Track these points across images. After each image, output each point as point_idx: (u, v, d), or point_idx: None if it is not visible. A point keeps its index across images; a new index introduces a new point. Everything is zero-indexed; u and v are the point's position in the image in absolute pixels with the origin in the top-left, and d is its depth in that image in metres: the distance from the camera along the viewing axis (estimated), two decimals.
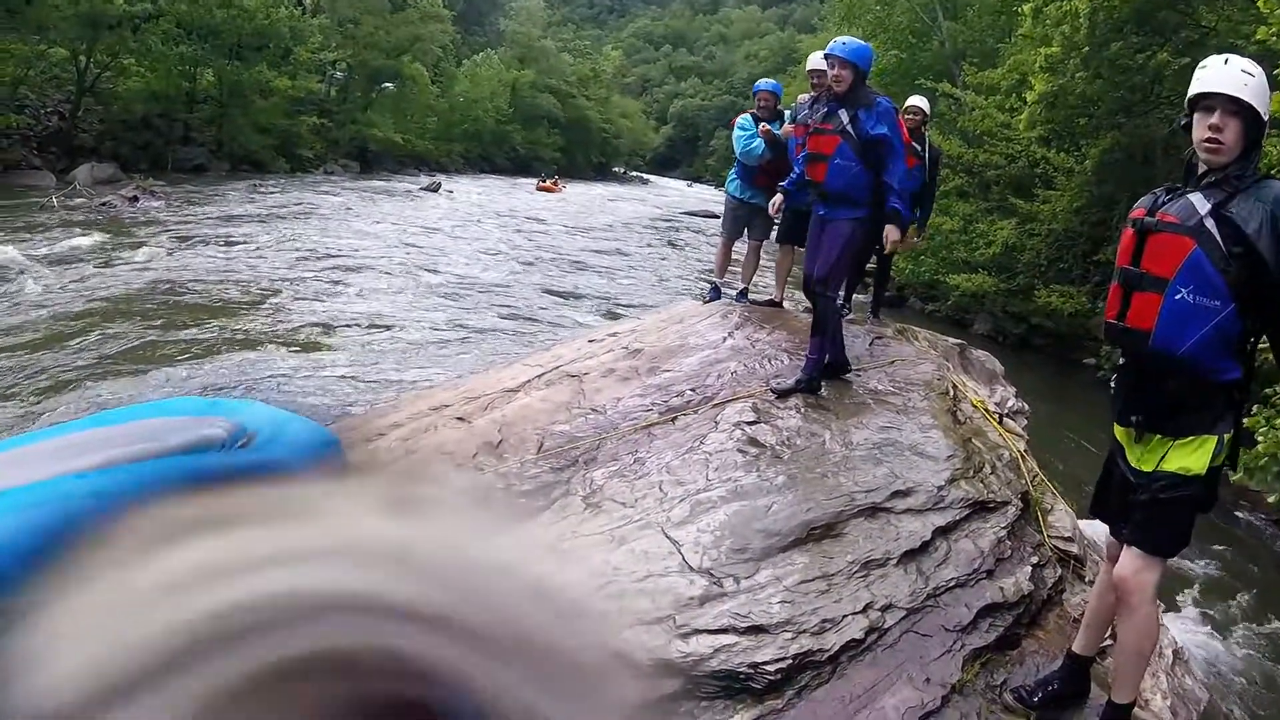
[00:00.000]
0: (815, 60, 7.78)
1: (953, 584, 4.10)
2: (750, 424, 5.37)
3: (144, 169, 30.36)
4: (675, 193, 74.03)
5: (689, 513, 4.41)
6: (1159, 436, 3.27)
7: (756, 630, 3.55)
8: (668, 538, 4.16)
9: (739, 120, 8.15)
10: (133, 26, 32.20)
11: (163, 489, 2.78)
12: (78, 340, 10.75)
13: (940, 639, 3.79)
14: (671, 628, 3.51)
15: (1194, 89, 3.17)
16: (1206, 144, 3.13)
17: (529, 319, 15.39)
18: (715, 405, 5.73)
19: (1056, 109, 17.62)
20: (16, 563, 2.24)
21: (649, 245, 29.78)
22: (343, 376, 10.55)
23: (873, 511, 4.48)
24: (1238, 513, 9.61)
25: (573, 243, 27.05)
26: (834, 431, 5.36)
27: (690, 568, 3.92)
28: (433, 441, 5.64)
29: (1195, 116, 3.18)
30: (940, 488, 4.73)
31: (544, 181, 52.75)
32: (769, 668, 3.40)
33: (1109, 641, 4.03)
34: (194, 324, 12.26)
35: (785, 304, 8.35)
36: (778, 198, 6.68)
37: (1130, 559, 3.27)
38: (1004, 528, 4.60)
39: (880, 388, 6.18)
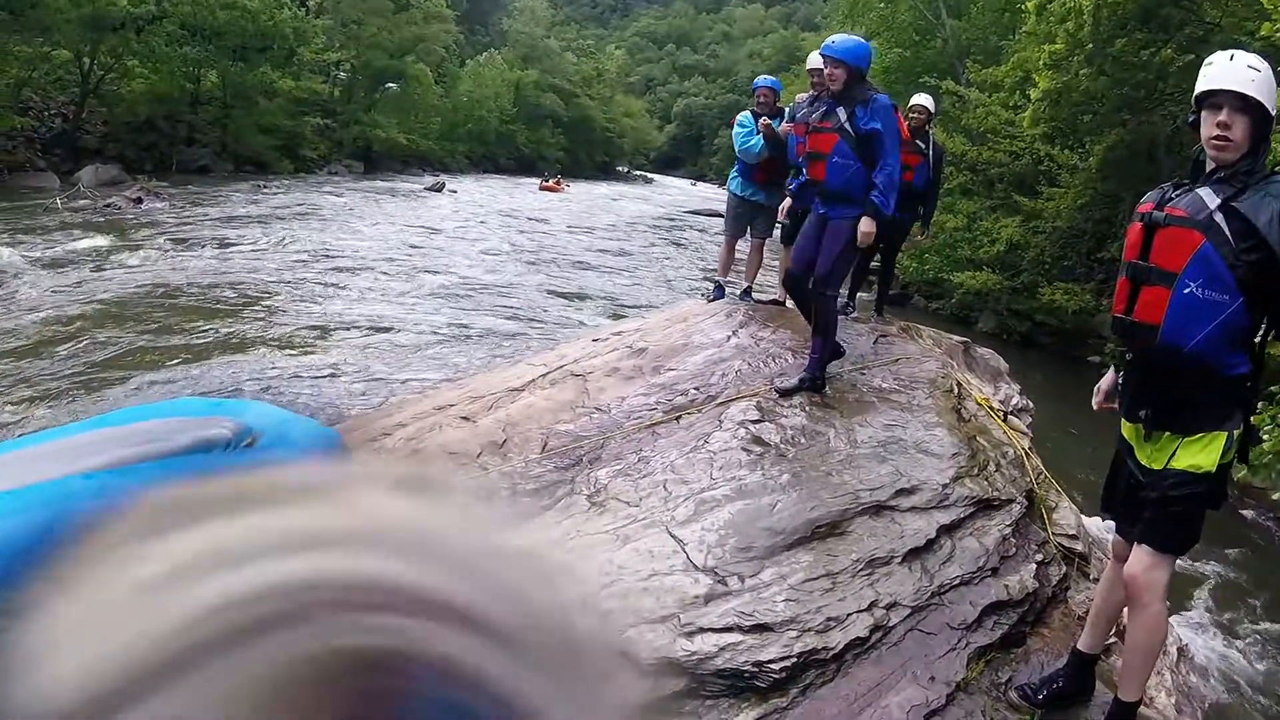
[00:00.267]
0: (815, 59, 7.80)
1: (957, 582, 4.10)
2: (754, 423, 5.37)
3: (148, 170, 30.47)
4: (679, 192, 74.02)
5: (693, 511, 4.41)
6: (1168, 434, 3.27)
7: (761, 629, 3.55)
8: (672, 536, 4.16)
9: (739, 117, 8.15)
10: (136, 28, 32.29)
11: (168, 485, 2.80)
12: (81, 342, 10.76)
13: (945, 637, 3.79)
14: (676, 626, 3.51)
15: (1201, 86, 3.16)
16: (1215, 141, 3.13)
17: (533, 319, 15.39)
18: (719, 404, 5.73)
19: (1060, 106, 17.58)
20: (21, 564, 2.25)
21: (652, 244, 29.77)
22: (347, 377, 10.56)
23: (877, 510, 4.47)
24: (1243, 510, 9.59)
25: (576, 242, 27.04)
26: (838, 430, 5.36)
27: (695, 566, 3.92)
28: (437, 441, 5.65)
29: (1203, 114, 3.17)
30: (945, 486, 4.72)
31: (546, 181, 52.74)
32: (774, 666, 3.40)
33: (1113, 639, 4.04)
34: (198, 325, 12.27)
35: (788, 303, 8.35)
36: (787, 201, 6.68)
37: (1140, 557, 3.27)
38: (1008, 525, 4.60)
39: (884, 386, 6.17)
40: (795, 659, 3.45)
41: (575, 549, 4.11)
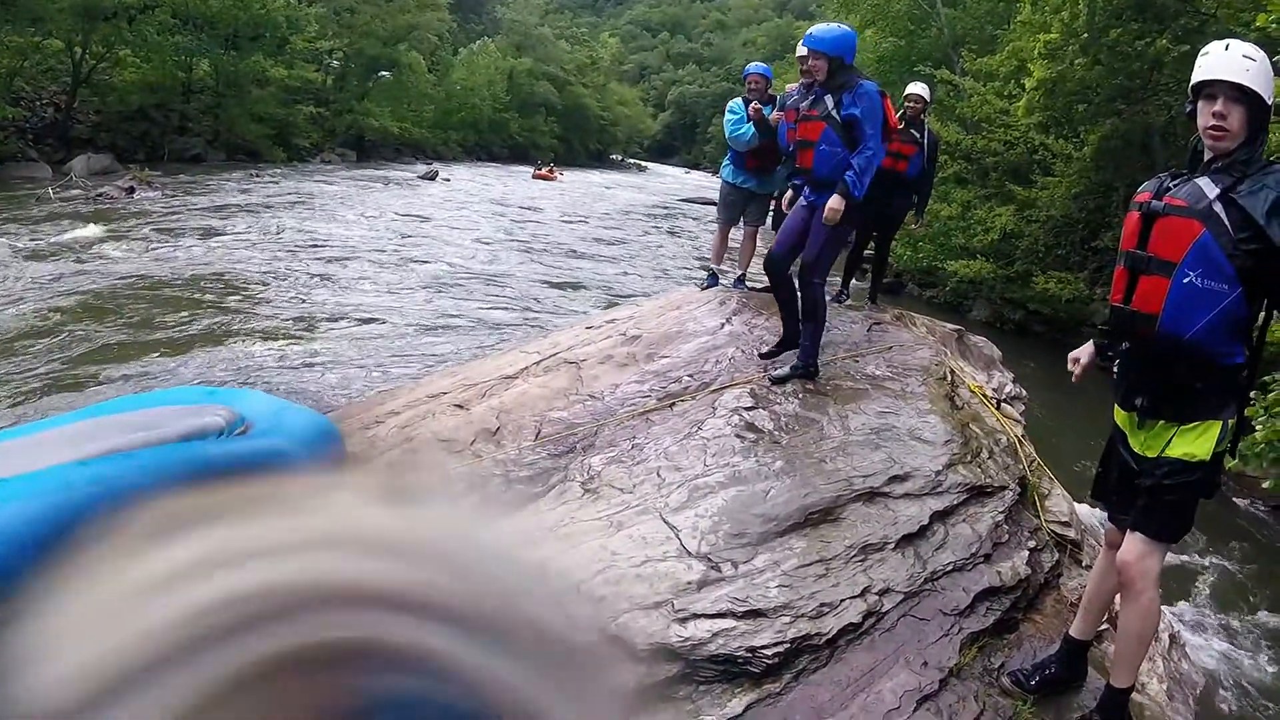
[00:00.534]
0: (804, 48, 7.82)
1: (950, 568, 4.11)
2: (748, 409, 5.37)
3: (140, 160, 30.38)
4: (673, 180, 73.83)
5: (687, 498, 4.42)
6: (1163, 422, 3.28)
7: (754, 614, 3.56)
8: (666, 523, 4.17)
9: (730, 104, 8.12)
10: (128, 17, 32.16)
11: (163, 476, 2.79)
12: (73, 331, 10.74)
13: (938, 623, 3.80)
14: (670, 612, 3.52)
15: (1196, 76, 3.16)
16: (1211, 131, 3.13)
17: (526, 307, 15.38)
18: (713, 391, 5.73)
19: (1055, 95, 17.57)
20: (19, 550, 2.25)
21: (646, 232, 29.75)
22: (340, 364, 10.55)
23: (870, 496, 4.48)
24: (1235, 498, 9.62)
25: (570, 230, 27.03)
26: (831, 417, 5.37)
27: (688, 553, 3.92)
28: (431, 429, 5.65)
29: (1199, 104, 3.17)
30: (938, 472, 4.73)
31: (540, 169, 52.66)
32: (767, 652, 3.41)
33: (1105, 626, 4.05)
34: (191, 314, 12.25)
35: None
36: (789, 193, 6.67)
37: (1133, 544, 3.28)
38: (1001, 512, 4.61)
39: (878, 373, 6.18)
40: (788, 644, 3.45)
41: (569, 536, 4.12)
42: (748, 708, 3.24)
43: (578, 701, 0.93)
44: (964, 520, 4.47)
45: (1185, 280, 3.09)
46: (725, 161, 8.39)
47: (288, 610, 0.77)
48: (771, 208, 8.50)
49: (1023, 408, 6.79)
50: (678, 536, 4.04)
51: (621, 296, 16.59)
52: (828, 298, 8.29)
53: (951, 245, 19.78)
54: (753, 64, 8.52)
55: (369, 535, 0.89)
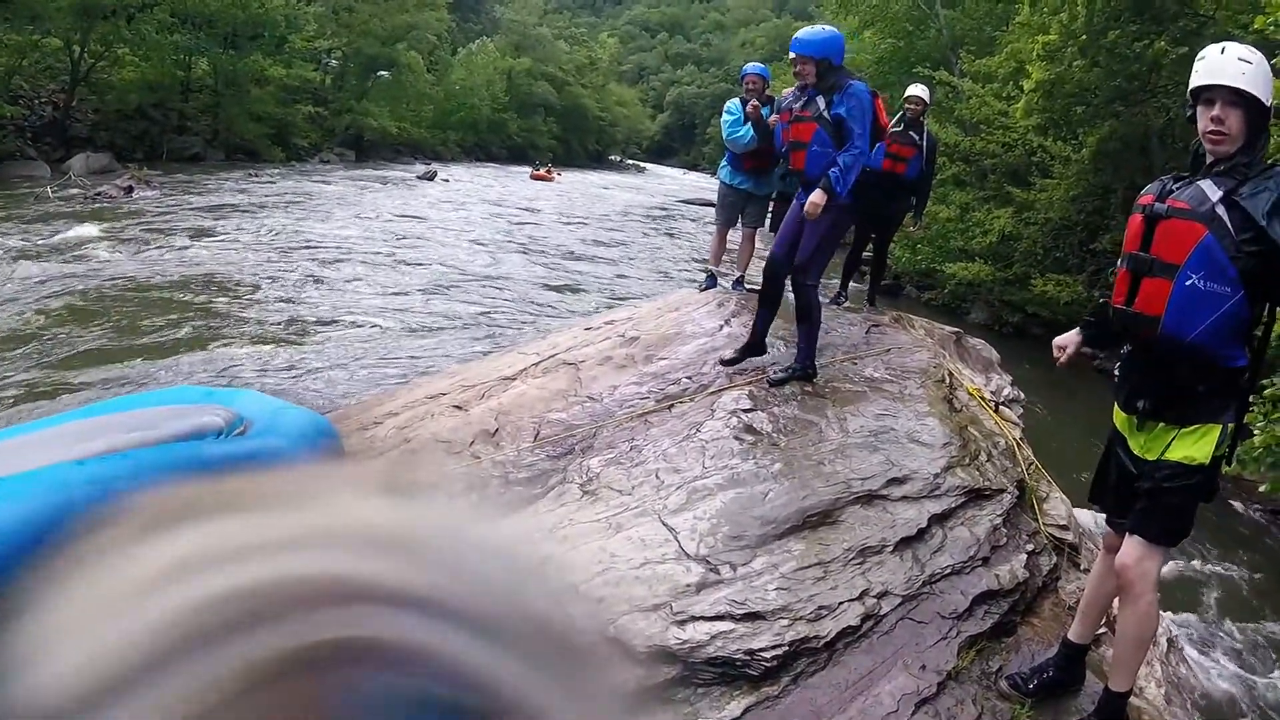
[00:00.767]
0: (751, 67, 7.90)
1: (949, 571, 4.11)
2: (746, 412, 5.37)
3: (139, 159, 30.35)
4: (671, 180, 73.76)
5: (685, 500, 4.42)
6: (1162, 424, 3.28)
7: (753, 617, 3.56)
8: (664, 525, 4.17)
9: (727, 105, 8.10)
10: (127, 16, 32.10)
11: (160, 476, 2.78)
12: (71, 331, 10.73)
13: (936, 626, 3.80)
14: (668, 614, 3.52)
15: (1194, 81, 3.16)
16: (1210, 135, 3.13)
17: (524, 308, 15.37)
18: (711, 393, 5.73)
19: (1054, 97, 17.55)
20: (14, 551, 2.23)
21: (645, 234, 29.71)
22: (338, 365, 10.54)
23: (869, 499, 4.49)
24: (1232, 501, 9.62)
25: (568, 231, 27.00)
26: (830, 419, 5.37)
27: (687, 555, 3.92)
28: (429, 430, 5.64)
29: (1198, 109, 3.17)
30: (936, 475, 4.73)
31: (538, 169, 52.58)
32: (765, 654, 3.41)
33: (1103, 630, 4.05)
34: (188, 315, 12.23)
35: None
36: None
37: (1132, 547, 3.28)
38: (1000, 515, 4.61)
39: (876, 375, 6.18)
40: (787, 647, 3.45)
41: (567, 537, 4.12)
42: (746, 710, 3.24)
43: (577, 701, 0.93)
44: (962, 523, 4.47)
45: (1188, 282, 3.10)
46: (723, 163, 8.37)
47: (286, 608, 0.77)
48: (770, 209, 8.48)
49: (1021, 410, 6.79)
50: (676, 538, 4.04)
51: (620, 298, 16.57)
52: (825, 299, 8.32)
53: (950, 247, 19.77)
54: (750, 64, 8.48)
55: (369, 530, 0.89)
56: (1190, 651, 5.91)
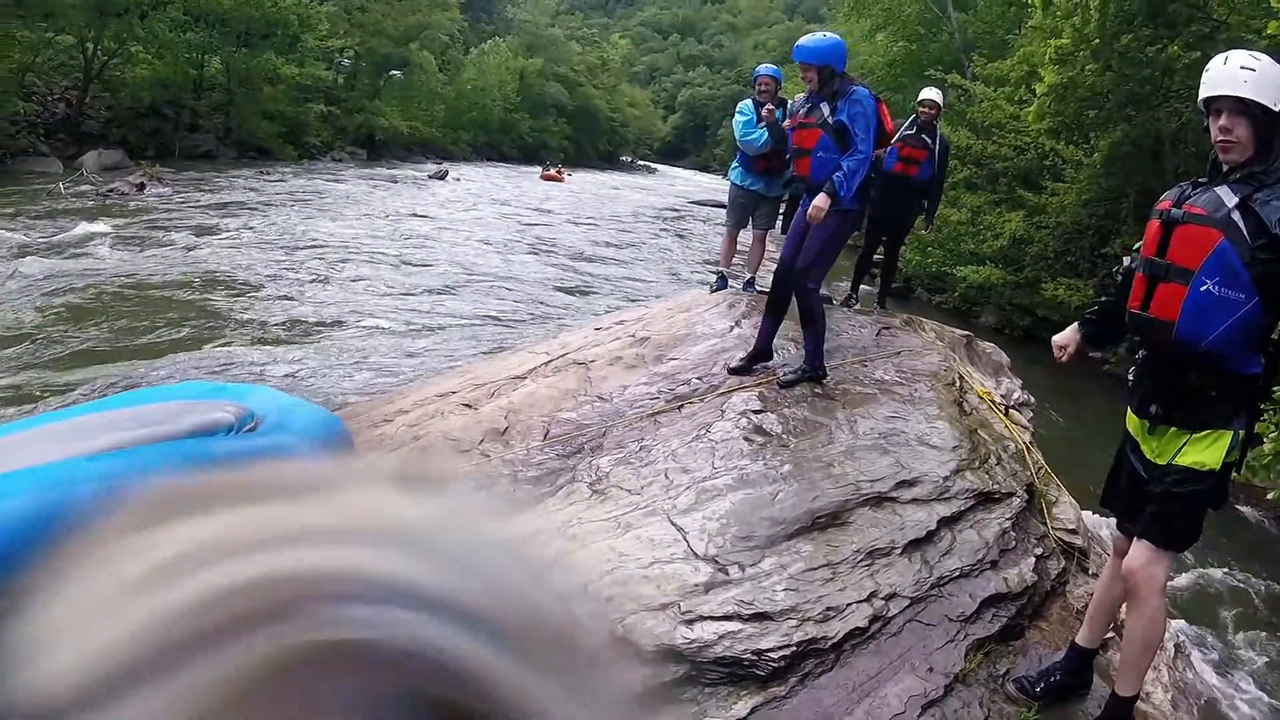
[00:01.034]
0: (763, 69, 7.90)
1: (957, 574, 4.11)
2: (756, 413, 5.38)
3: (151, 156, 30.42)
4: (683, 182, 73.65)
5: (695, 500, 4.43)
6: (1174, 429, 3.28)
7: (761, 617, 3.57)
8: (673, 525, 4.18)
9: (740, 106, 8.09)
10: (140, 13, 32.20)
11: (169, 472, 2.78)
12: (81, 326, 10.76)
13: (944, 628, 3.80)
14: (676, 614, 3.53)
15: (1201, 92, 3.19)
16: (1220, 143, 3.15)
17: (534, 307, 15.38)
18: (721, 394, 5.74)
19: (1066, 101, 17.50)
20: (21, 548, 2.24)
21: (655, 235, 29.68)
22: (349, 363, 10.56)
23: (878, 501, 4.49)
24: (1241, 508, 9.58)
25: (579, 232, 26.99)
26: (840, 421, 5.37)
27: (696, 555, 3.93)
28: (439, 428, 5.66)
29: (1209, 118, 3.18)
30: (945, 478, 4.74)
31: (548, 170, 52.50)
32: (773, 655, 3.42)
33: (1110, 634, 4.05)
34: (199, 311, 12.27)
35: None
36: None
37: (1140, 552, 3.28)
38: (1008, 519, 4.61)
39: (886, 378, 6.18)
40: (794, 648, 3.46)
41: (576, 536, 4.13)
42: (753, 711, 3.24)
43: (581, 701, 0.94)
44: (971, 526, 4.48)
45: (1203, 288, 3.10)
46: (734, 164, 8.36)
47: (281, 605, 0.77)
48: (781, 211, 8.47)
49: (1031, 415, 6.78)
50: (685, 538, 4.05)
51: (630, 298, 16.58)
52: (835, 301, 8.31)
53: (961, 251, 19.71)
54: (763, 66, 8.45)
55: (379, 525, 0.89)
56: (1197, 658, 5.89)
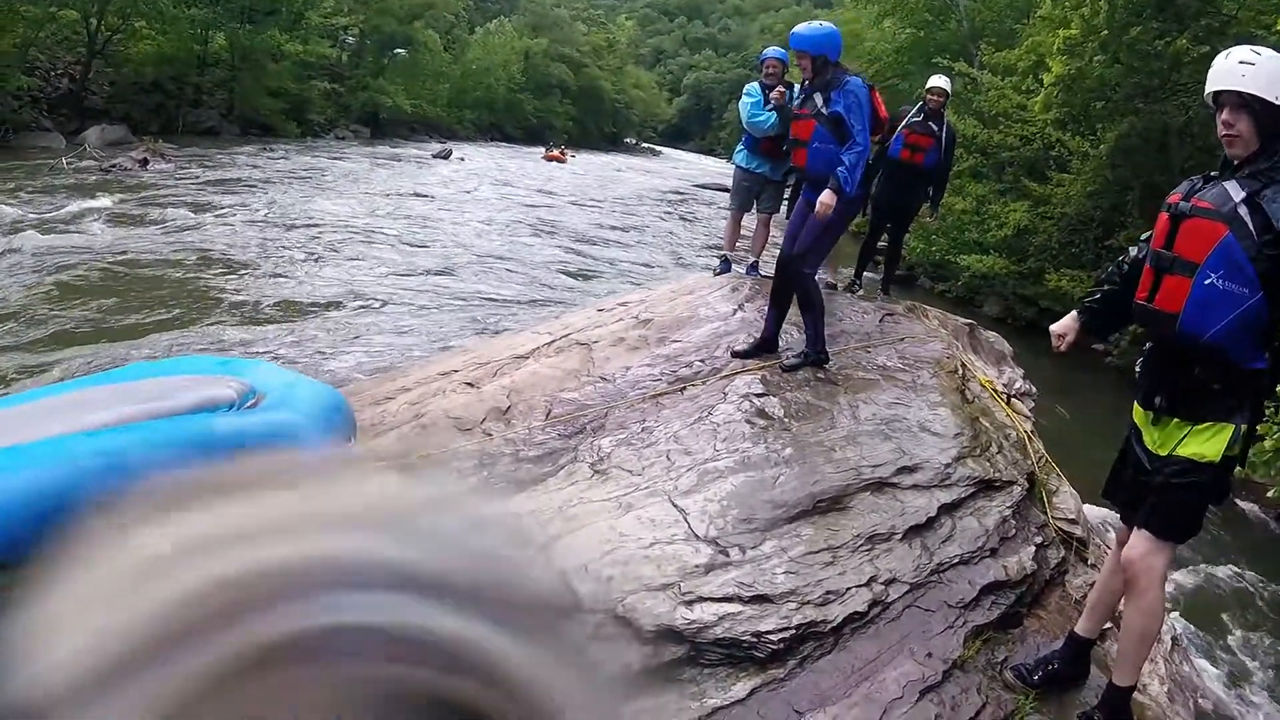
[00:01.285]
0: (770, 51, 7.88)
1: (956, 561, 4.12)
2: (759, 396, 5.39)
3: (154, 131, 30.35)
4: (687, 165, 73.44)
5: (696, 482, 4.43)
6: (1176, 420, 3.28)
7: (761, 599, 3.57)
8: (674, 506, 4.18)
9: (746, 88, 8.06)
10: None
11: (170, 448, 2.77)
12: (80, 302, 10.77)
13: (943, 614, 3.81)
14: (676, 594, 3.53)
15: (1206, 87, 3.19)
16: (1224, 139, 3.17)
17: (537, 288, 15.38)
18: (724, 377, 5.74)
19: (1073, 92, 17.47)
20: (16, 524, 2.23)
21: (659, 217, 29.65)
22: (349, 341, 10.57)
23: (879, 486, 4.50)
24: (1242, 504, 9.59)
25: (582, 213, 26.96)
26: (842, 406, 5.38)
27: (696, 536, 3.94)
28: (441, 406, 5.66)
29: (1216, 113, 3.19)
30: (947, 465, 4.74)
31: (551, 150, 52.38)
32: (772, 637, 3.42)
33: (1109, 625, 4.05)
34: (200, 287, 12.29)
35: None
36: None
37: (1139, 541, 3.29)
38: (1009, 507, 4.62)
39: (889, 364, 6.19)
40: (794, 631, 3.46)
41: (577, 516, 4.13)
42: (752, 692, 3.25)
43: (572, 672, 0.93)
44: (971, 514, 4.48)
45: (1207, 281, 3.10)
46: (739, 146, 8.33)
47: (278, 593, 0.76)
48: (786, 196, 8.45)
49: (1032, 404, 6.78)
50: (686, 520, 4.06)
51: (633, 280, 16.58)
52: (837, 285, 8.32)
53: (965, 239, 19.67)
54: (770, 48, 8.41)
55: (361, 513, 0.89)
56: (1194, 652, 5.91)
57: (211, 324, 10.67)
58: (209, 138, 33.97)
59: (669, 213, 31.74)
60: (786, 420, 5.16)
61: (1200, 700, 4.88)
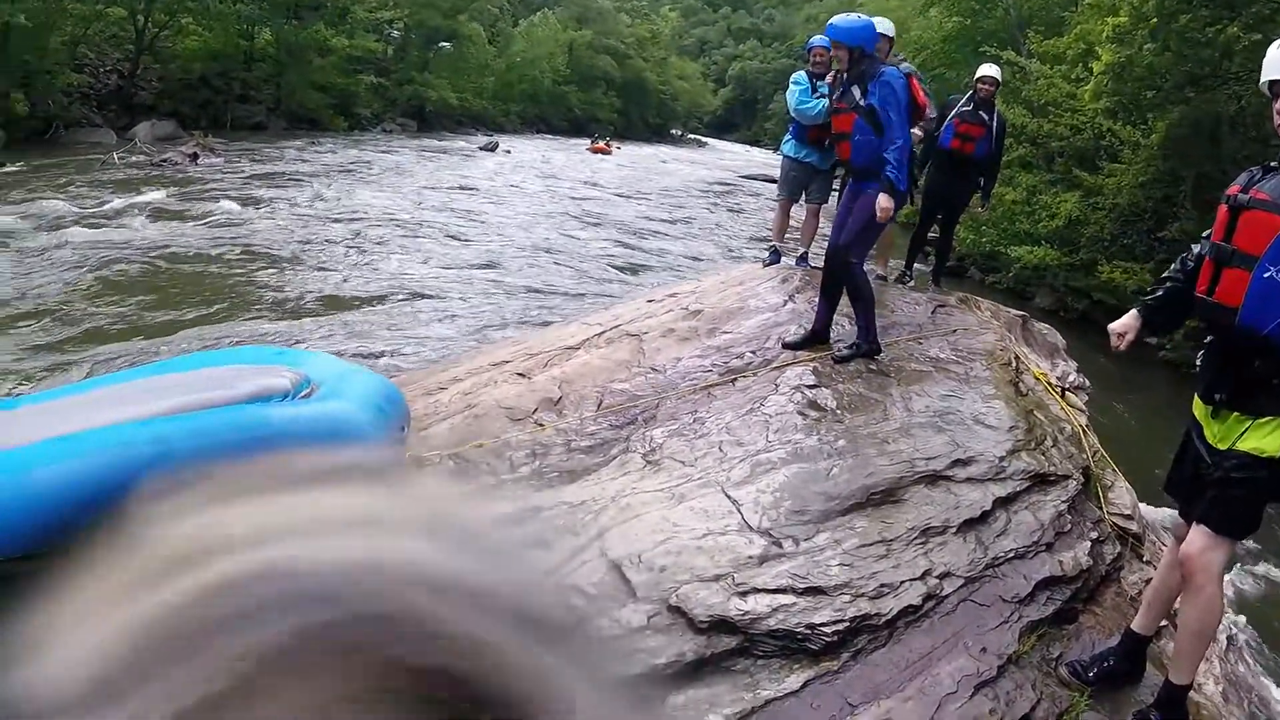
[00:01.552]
0: (817, 38, 7.79)
1: (1011, 555, 4.09)
2: (810, 388, 5.38)
3: (203, 126, 30.67)
4: (733, 156, 73.17)
5: (749, 473, 4.44)
6: (1236, 414, 3.23)
7: (814, 591, 3.57)
8: (727, 497, 4.19)
9: (793, 77, 8.01)
10: None
11: (225, 437, 2.82)
12: (136, 294, 10.95)
13: (998, 609, 3.79)
14: (730, 585, 3.54)
15: (1262, 76, 3.14)
16: (1279, 128, 3.10)
17: (585, 281, 15.41)
18: (775, 368, 5.73)
19: (1123, 81, 17.23)
20: (76, 509, 2.29)
21: (706, 209, 29.57)
22: (401, 332, 10.66)
23: (933, 479, 4.47)
24: None
25: (629, 205, 26.95)
26: (894, 398, 5.36)
27: (749, 527, 3.94)
28: (493, 396, 5.69)
29: (1272, 102, 3.15)
30: (1001, 458, 4.71)
31: (596, 142, 52.39)
32: (826, 629, 3.42)
33: (1165, 623, 4.01)
34: (252, 280, 12.43)
35: None
36: None
37: (1197, 537, 3.25)
38: (1064, 501, 4.58)
39: (942, 356, 6.15)
40: (847, 623, 3.46)
41: (630, 506, 4.15)
42: (805, 684, 3.25)
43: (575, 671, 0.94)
44: (1026, 508, 4.45)
45: (1266, 275, 3.06)
46: (786, 136, 8.28)
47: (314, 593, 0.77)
48: (835, 186, 8.39)
49: (1086, 398, 6.71)
50: (739, 510, 4.06)
51: (682, 270, 16.57)
52: (890, 277, 8.26)
53: (1016, 230, 19.46)
54: (816, 37, 8.29)
55: (400, 518, 0.90)
56: (1250, 652, 5.82)
57: (261, 315, 10.81)
58: (257, 132, 34.27)
59: (716, 204, 31.66)
60: (839, 412, 5.15)
61: (1255, 701, 4.81)
